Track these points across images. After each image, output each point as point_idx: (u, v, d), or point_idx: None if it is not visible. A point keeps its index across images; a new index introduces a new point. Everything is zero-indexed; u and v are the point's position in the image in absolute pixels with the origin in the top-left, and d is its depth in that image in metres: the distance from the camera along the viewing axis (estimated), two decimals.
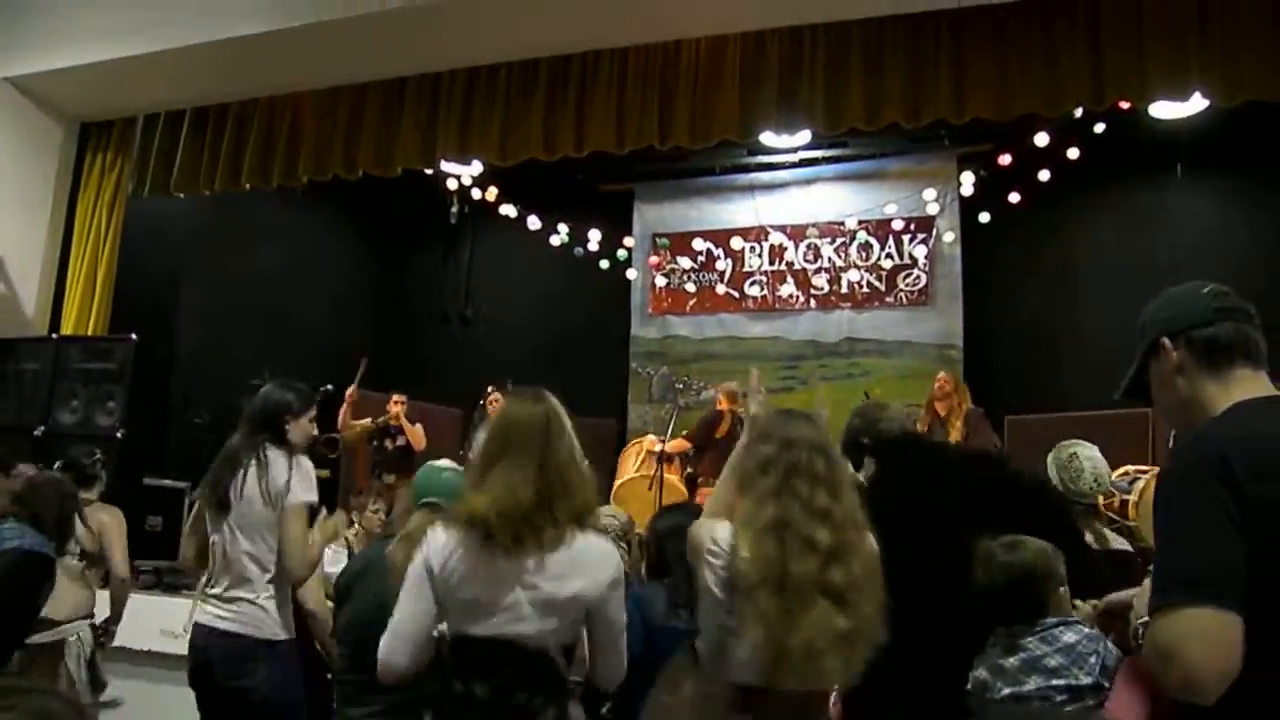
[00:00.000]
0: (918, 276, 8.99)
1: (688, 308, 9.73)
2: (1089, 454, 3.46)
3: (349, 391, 7.46)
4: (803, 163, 9.30)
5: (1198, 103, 5.31)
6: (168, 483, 6.27)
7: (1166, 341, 1.72)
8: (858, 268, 9.15)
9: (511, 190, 9.35)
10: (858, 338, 9.08)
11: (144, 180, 6.93)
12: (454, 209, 10.02)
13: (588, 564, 2.24)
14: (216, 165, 6.63)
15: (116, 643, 4.21)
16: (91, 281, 6.87)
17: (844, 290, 9.17)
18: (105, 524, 4.06)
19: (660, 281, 9.74)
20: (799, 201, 9.44)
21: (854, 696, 2.53)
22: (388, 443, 7.45)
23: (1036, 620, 2.22)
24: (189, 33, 5.96)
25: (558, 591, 2.20)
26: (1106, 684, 2.09)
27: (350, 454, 7.74)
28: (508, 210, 9.53)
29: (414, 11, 5.45)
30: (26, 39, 6.48)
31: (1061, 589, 2.28)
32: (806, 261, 9.34)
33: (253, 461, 3.19)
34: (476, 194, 9.48)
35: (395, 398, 7.67)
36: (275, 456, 3.21)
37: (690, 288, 9.74)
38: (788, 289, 9.36)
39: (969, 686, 2.26)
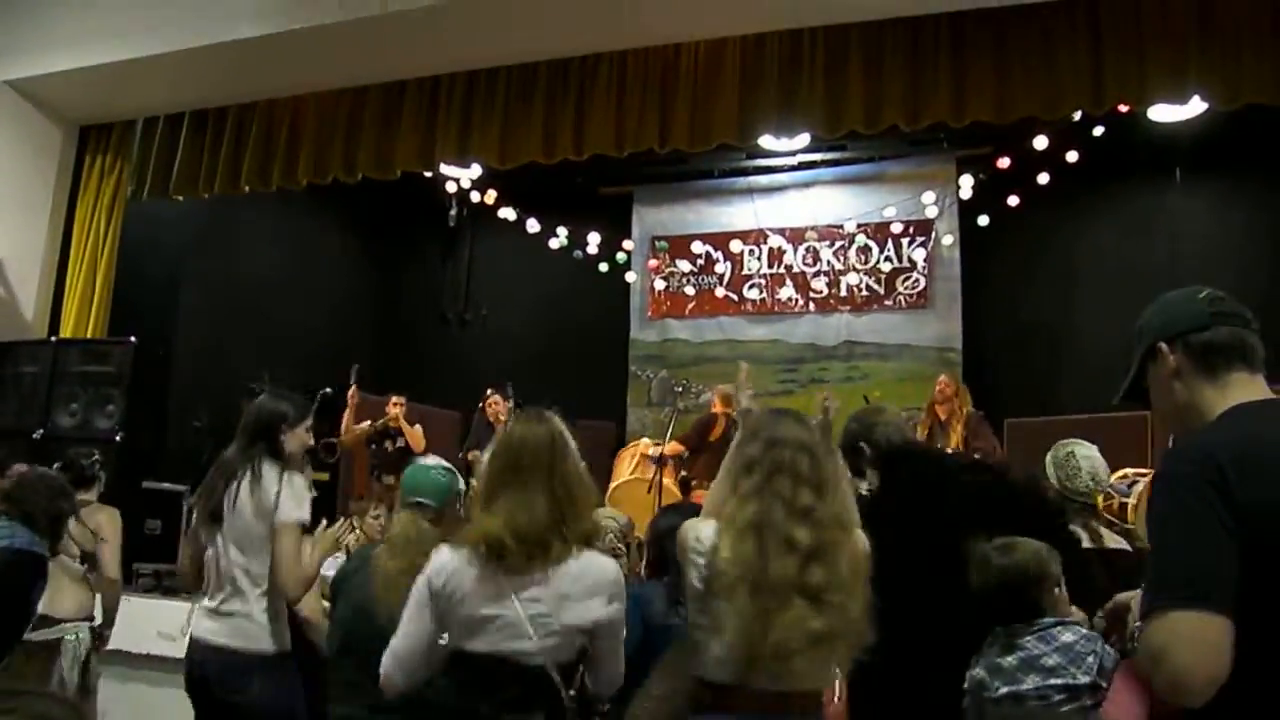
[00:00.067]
0: (917, 279, 8.99)
1: (687, 311, 9.74)
2: (1086, 452, 3.46)
3: (350, 394, 7.46)
4: (802, 166, 9.30)
5: (1196, 106, 5.32)
6: (166, 486, 6.27)
7: (1163, 346, 1.73)
8: (857, 271, 9.15)
9: (511, 193, 9.35)
10: (856, 341, 9.08)
11: (143, 183, 6.92)
12: (453, 212, 10.03)
13: (591, 583, 2.26)
14: (216, 168, 6.63)
15: (114, 645, 4.20)
16: (90, 284, 6.87)
17: (843, 293, 9.18)
18: (101, 524, 4.04)
19: (659, 284, 9.75)
20: (798, 205, 9.45)
21: (855, 698, 2.53)
22: (387, 444, 7.45)
23: (1034, 620, 2.23)
24: (188, 35, 5.96)
25: (559, 610, 2.22)
26: (1104, 684, 2.09)
27: (349, 457, 7.74)
28: (507, 213, 9.53)
29: (413, 14, 5.44)
30: (26, 42, 6.48)
31: (1057, 589, 2.29)
32: (805, 265, 9.34)
33: (246, 474, 3.17)
34: (476, 197, 9.49)
35: (394, 399, 7.67)
36: (268, 471, 3.17)
37: (689, 291, 9.74)
38: (787, 292, 9.36)
39: (966, 686, 2.27)
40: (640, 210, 10.00)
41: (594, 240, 9.57)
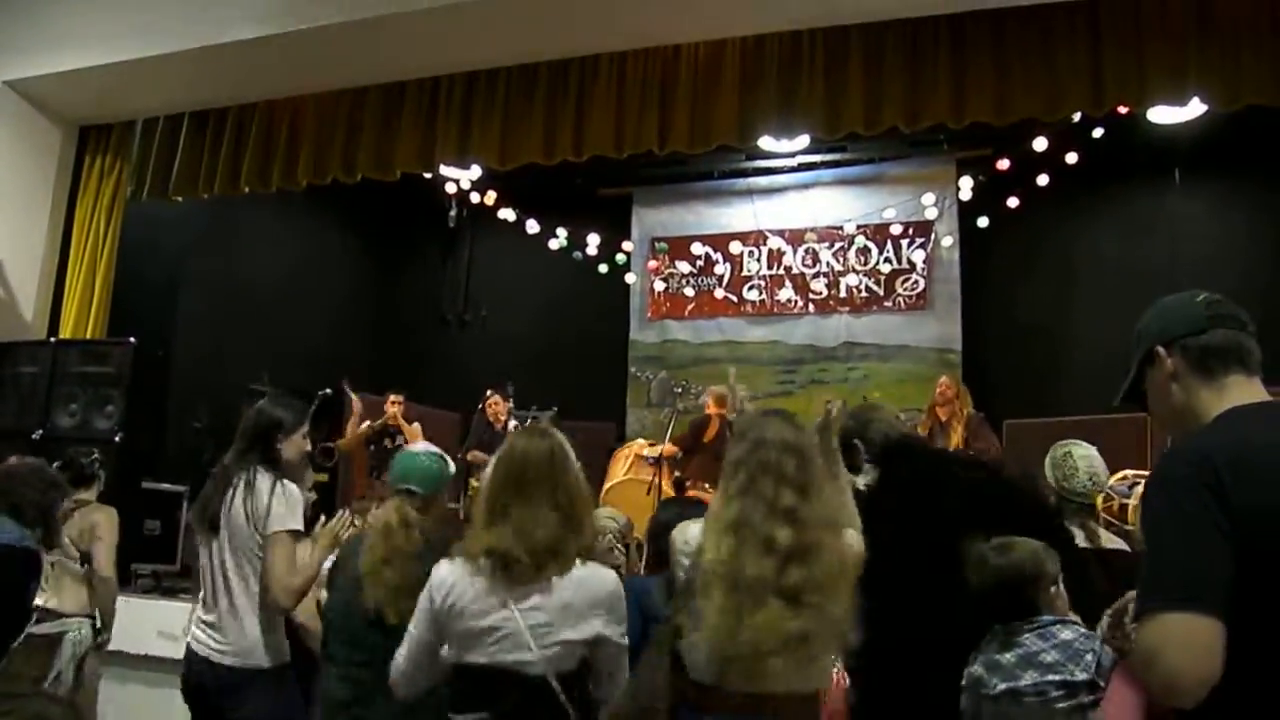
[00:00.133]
0: (916, 281, 8.99)
1: (686, 312, 9.74)
2: (1083, 452, 3.47)
3: (355, 407, 7.51)
4: (801, 167, 9.31)
5: (1196, 108, 5.32)
6: (166, 486, 6.27)
7: (1161, 349, 1.75)
8: (856, 272, 9.16)
9: (510, 194, 9.35)
10: (856, 342, 9.09)
11: (143, 184, 6.92)
12: (453, 213, 10.04)
13: (591, 594, 2.29)
14: (215, 169, 6.63)
15: (113, 646, 4.19)
16: (90, 285, 6.86)
17: (842, 295, 9.18)
18: (98, 523, 4.02)
19: (659, 286, 9.75)
20: (797, 206, 9.45)
21: (855, 695, 2.53)
22: (386, 442, 7.46)
23: (1032, 618, 2.24)
24: (188, 36, 5.96)
25: (560, 620, 2.25)
26: (1101, 683, 2.10)
27: (348, 460, 7.74)
28: (506, 214, 9.54)
29: (413, 15, 5.44)
30: (25, 42, 6.47)
31: (1054, 588, 2.29)
32: (805, 266, 9.35)
33: (240, 483, 3.15)
34: (475, 198, 9.49)
35: (392, 398, 7.69)
36: (262, 479, 3.15)
37: (689, 292, 9.74)
38: (786, 293, 9.37)
39: (964, 683, 2.27)
40: (640, 211, 10.01)
41: (594, 241, 9.58)
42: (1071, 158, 7.81)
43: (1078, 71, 4.94)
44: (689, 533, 2.28)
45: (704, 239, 9.64)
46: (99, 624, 3.96)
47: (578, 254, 9.60)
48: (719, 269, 9.63)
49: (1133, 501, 5.08)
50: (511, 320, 10.20)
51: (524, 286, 10.20)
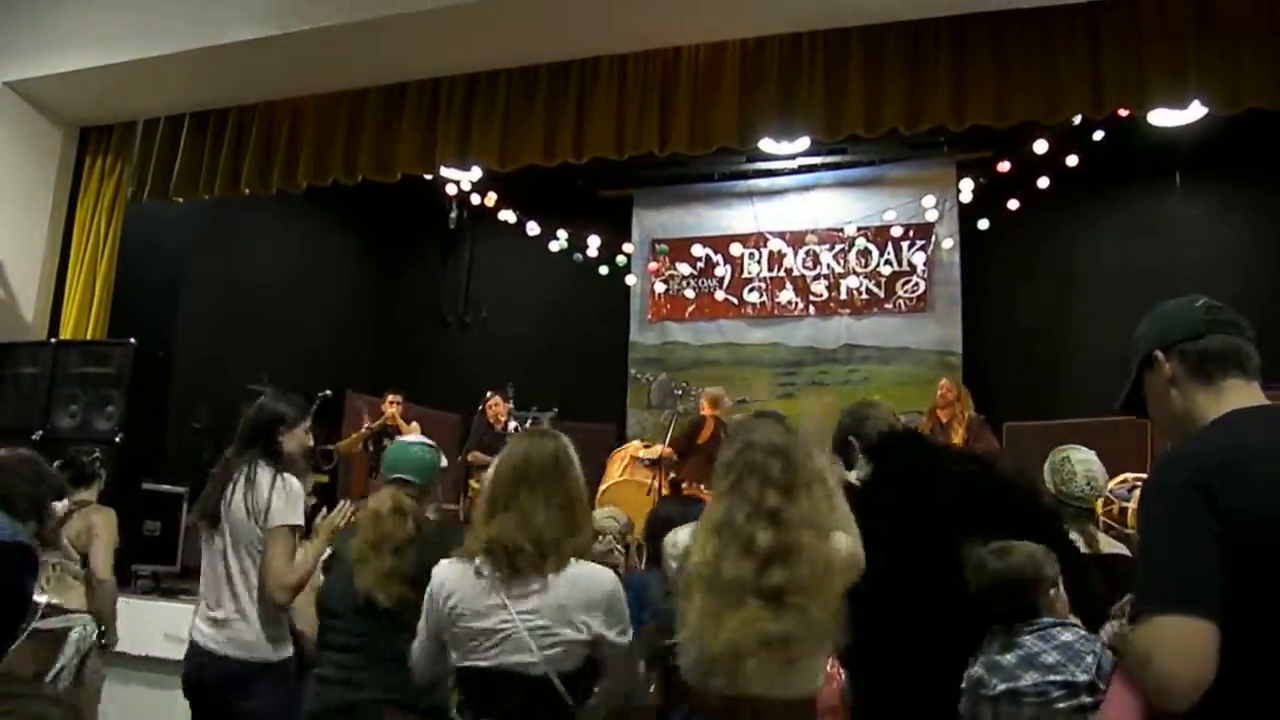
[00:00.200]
0: (916, 283, 9.00)
1: (686, 314, 9.75)
2: (1081, 457, 3.48)
3: (363, 420, 7.54)
4: (802, 169, 9.32)
5: (1196, 110, 5.32)
6: (166, 487, 6.27)
7: (1159, 354, 1.76)
8: (856, 274, 9.17)
9: (511, 196, 9.36)
10: (856, 344, 9.09)
11: (143, 185, 6.91)
12: (453, 214, 10.05)
13: (586, 593, 2.29)
14: (216, 170, 6.62)
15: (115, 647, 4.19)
16: (90, 286, 6.86)
17: (843, 297, 9.18)
18: (96, 524, 4.02)
19: (659, 287, 9.76)
20: (798, 208, 9.46)
21: (851, 695, 2.53)
22: (385, 443, 7.46)
23: (1033, 620, 2.25)
24: (188, 37, 5.95)
25: (558, 620, 2.25)
26: (1101, 685, 2.09)
27: (347, 462, 7.75)
28: (507, 216, 9.54)
29: (414, 17, 5.44)
30: (26, 43, 6.47)
31: (1054, 590, 2.29)
32: (805, 268, 9.35)
33: (241, 477, 3.16)
34: (476, 199, 9.50)
35: (390, 398, 7.70)
36: (262, 473, 3.16)
37: (689, 294, 9.75)
38: (786, 295, 9.37)
39: (963, 685, 2.27)
40: (640, 213, 10.02)
41: (594, 243, 9.58)
42: (1072, 160, 7.82)
43: (1078, 74, 4.94)
44: (679, 537, 2.29)
45: (704, 241, 9.65)
46: (101, 625, 3.97)
47: (578, 256, 9.60)
48: (719, 271, 9.63)
49: (1132, 505, 5.07)
50: (512, 322, 10.20)
51: (524, 288, 10.20)
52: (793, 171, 9.36)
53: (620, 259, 9.71)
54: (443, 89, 6.11)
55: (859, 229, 9.15)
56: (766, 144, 6.41)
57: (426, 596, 2.40)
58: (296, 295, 8.98)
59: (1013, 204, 8.22)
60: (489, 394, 7.80)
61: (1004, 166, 8.09)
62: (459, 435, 8.27)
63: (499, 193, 9.32)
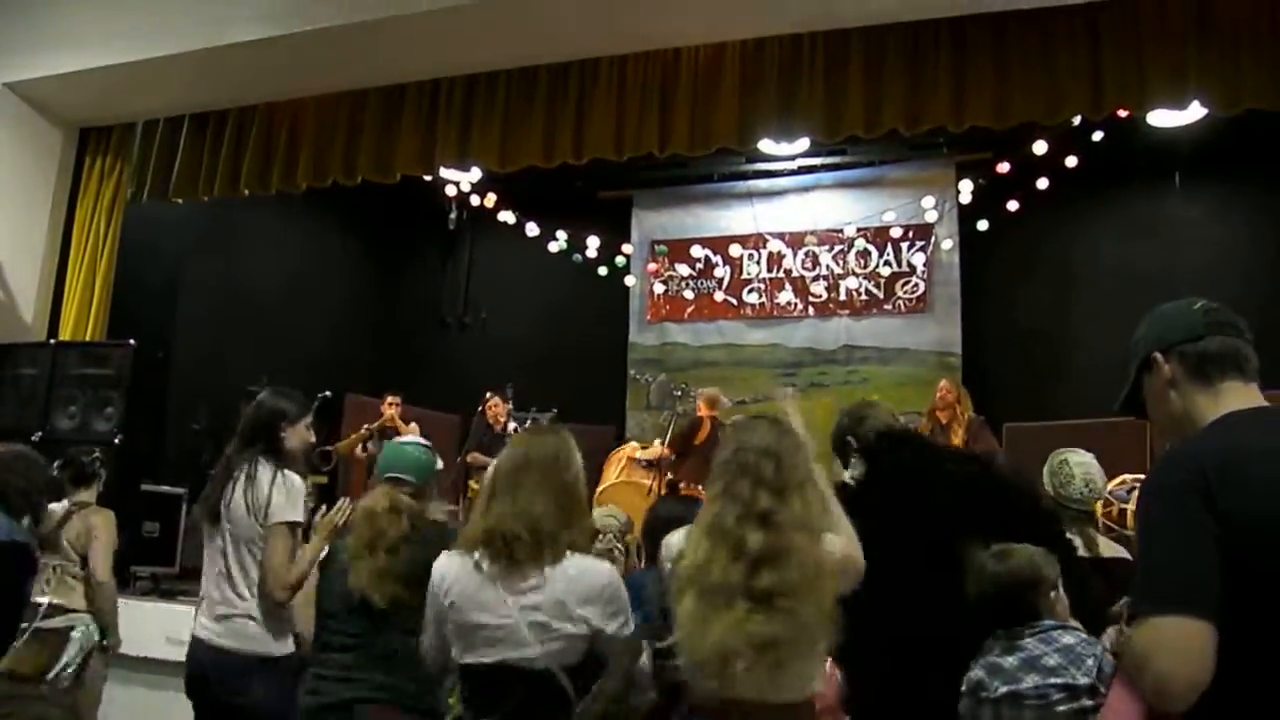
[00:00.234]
0: (916, 284, 9.00)
1: (686, 315, 9.74)
2: (1080, 460, 3.48)
3: (366, 427, 7.55)
4: (801, 170, 9.32)
5: (1196, 111, 5.32)
6: (165, 488, 6.27)
7: (1158, 356, 1.76)
8: (856, 275, 9.16)
9: (510, 196, 9.35)
10: (856, 345, 9.09)
11: (143, 185, 6.91)
12: (453, 215, 10.04)
13: (586, 587, 2.29)
14: (215, 171, 6.63)
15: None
16: (90, 287, 6.86)
17: (842, 298, 9.18)
18: (95, 525, 4.02)
19: (658, 288, 9.75)
20: (797, 209, 9.45)
21: (849, 693, 2.53)
22: (386, 443, 7.47)
23: (1034, 623, 2.25)
24: (189, 38, 5.96)
25: (557, 614, 2.25)
26: (1102, 688, 2.09)
27: (346, 463, 7.74)
28: (506, 217, 9.53)
29: (413, 18, 5.44)
30: (26, 44, 6.47)
31: (1054, 593, 2.29)
32: (805, 269, 9.35)
33: (242, 474, 3.17)
34: (475, 200, 9.49)
35: (389, 399, 7.69)
36: (263, 470, 3.17)
37: (688, 295, 9.75)
38: (786, 296, 9.37)
39: (964, 688, 2.27)
40: (639, 214, 10.01)
41: (593, 244, 9.58)
42: (1071, 161, 7.81)
43: (1077, 75, 4.95)
44: (673, 541, 2.29)
45: (704, 242, 9.64)
46: (103, 627, 3.97)
47: (577, 256, 9.60)
48: (719, 272, 9.63)
49: (1131, 506, 5.07)
50: (511, 323, 10.20)
51: (524, 289, 10.20)
52: (792, 172, 9.36)
53: (619, 260, 9.71)
54: (442, 90, 6.11)
55: (858, 230, 9.15)
56: (766, 145, 6.41)
57: (429, 593, 2.41)
58: (296, 296, 8.97)
59: (1012, 205, 8.21)
60: (488, 395, 7.80)
61: (1003, 167, 8.09)
62: (458, 436, 8.26)
63: (498, 194, 9.31)
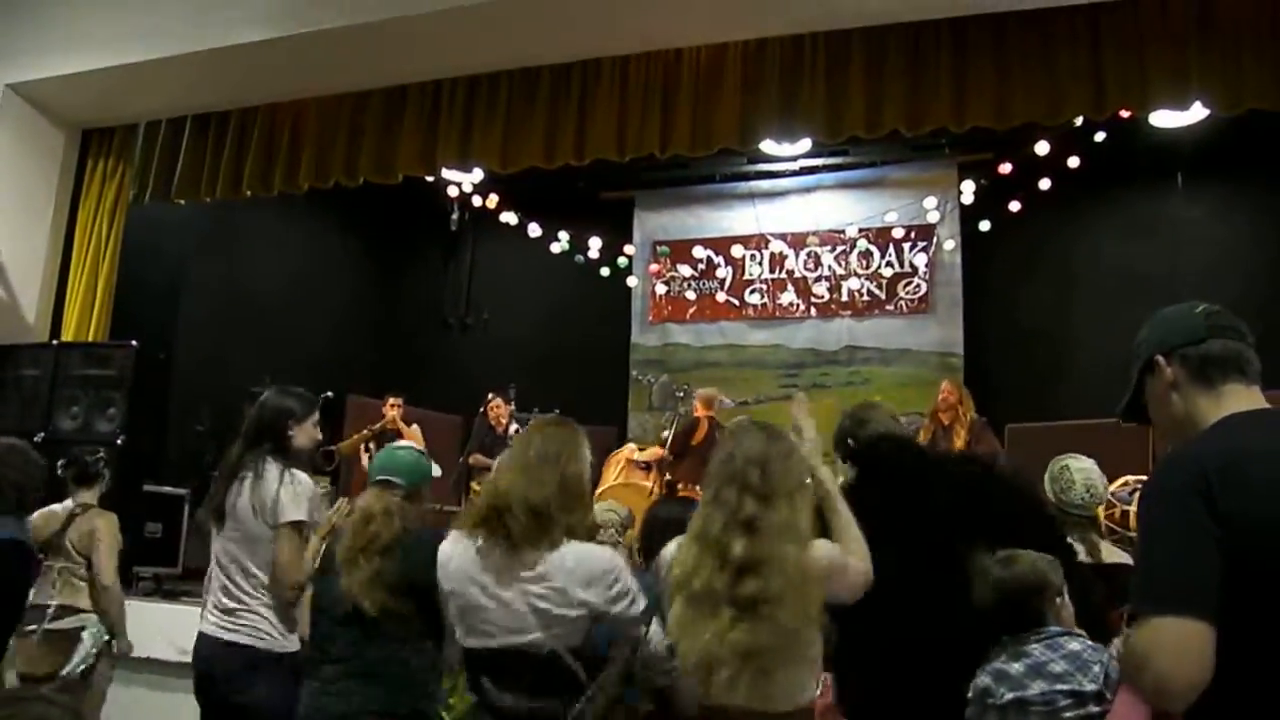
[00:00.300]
0: (918, 285, 8.99)
1: (688, 315, 9.74)
2: (1080, 465, 3.48)
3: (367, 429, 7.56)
4: (803, 170, 9.31)
5: (1198, 111, 5.31)
6: (167, 489, 6.28)
7: (1161, 359, 1.77)
8: (858, 276, 9.16)
9: (512, 197, 9.35)
10: (858, 346, 9.08)
11: (145, 187, 6.92)
12: (455, 216, 10.05)
13: (587, 570, 2.28)
14: (218, 172, 6.63)
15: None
16: (92, 288, 6.86)
17: (844, 298, 9.18)
18: (98, 528, 4.01)
19: (660, 289, 9.75)
20: (799, 209, 9.45)
21: (844, 696, 2.52)
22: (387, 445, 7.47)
23: (1040, 629, 2.23)
24: (191, 40, 5.96)
25: (559, 598, 2.25)
26: (1109, 695, 2.09)
27: (348, 464, 7.75)
28: (508, 217, 9.53)
29: (415, 19, 5.45)
30: (28, 45, 6.48)
31: (1060, 599, 2.28)
32: (807, 269, 9.35)
33: (249, 473, 3.16)
34: (477, 201, 9.49)
35: (391, 400, 7.69)
36: (270, 469, 3.16)
37: (690, 295, 9.74)
38: (788, 297, 9.37)
39: (969, 695, 2.26)
40: (641, 215, 10.01)
41: (595, 245, 9.57)
42: (1073, 162, 7.81)
43: (1079, 75, 4.94)
44: (668, 549, 2.31)
45: (706, 242, 9.64)
46: (111, 630, 3.97)
47: (579, 257, 9.60)
48: (721, 272, 9.63)
49: (1133, 508, 5.07)
50: (513, 324, 10.20)
51: (525, 290, 10.20)
52: (794, 173, 9.36)
53: (621, 260, 9.71)
54: (444, 91, 6.12)
55: (860, 230, 9.15)
56: (768, 145, 6.42)
57: (436, 572, 2.43)
58: (298, 297, 8.98)
59: (1014, 205, 8.20)
60: (490, 396, 7.79)
61: (1005, 168, 8.08)
62: (460, 437, 8.27)
63: (500, 194, 9.32)
